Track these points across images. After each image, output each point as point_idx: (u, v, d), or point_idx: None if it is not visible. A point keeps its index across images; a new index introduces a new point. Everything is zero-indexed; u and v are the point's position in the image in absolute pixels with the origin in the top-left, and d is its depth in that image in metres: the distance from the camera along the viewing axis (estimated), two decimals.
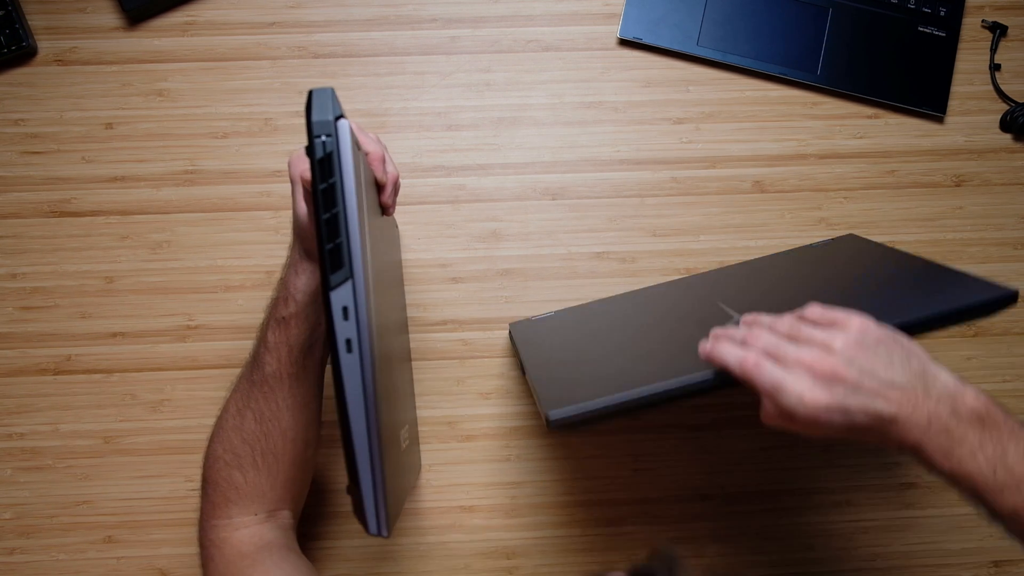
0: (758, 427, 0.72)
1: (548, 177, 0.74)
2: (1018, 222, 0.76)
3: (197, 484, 0.69)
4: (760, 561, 0.71)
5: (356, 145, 0.41)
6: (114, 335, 0.71)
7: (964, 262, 0.75)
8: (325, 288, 0.38)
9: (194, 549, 0.69)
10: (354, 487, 0.39)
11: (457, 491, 0.70)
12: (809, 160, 0.75)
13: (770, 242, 0.74)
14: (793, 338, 0.47)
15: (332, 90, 0.38)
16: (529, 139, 0.75)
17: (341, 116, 0.38)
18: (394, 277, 0.61)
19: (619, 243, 0.74)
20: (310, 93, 0.38)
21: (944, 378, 0.44)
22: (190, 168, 0.73)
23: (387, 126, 0.74)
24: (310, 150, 0.38)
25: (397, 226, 0.72)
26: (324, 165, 0.38)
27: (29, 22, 0.73)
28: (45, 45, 0.73)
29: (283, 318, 0.53)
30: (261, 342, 0.55)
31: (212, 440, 0.56)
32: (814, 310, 0.48)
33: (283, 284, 0.54)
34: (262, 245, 0.72)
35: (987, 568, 0.72)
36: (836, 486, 0.72)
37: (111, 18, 0.74)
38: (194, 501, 0.69)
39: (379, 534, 0.40)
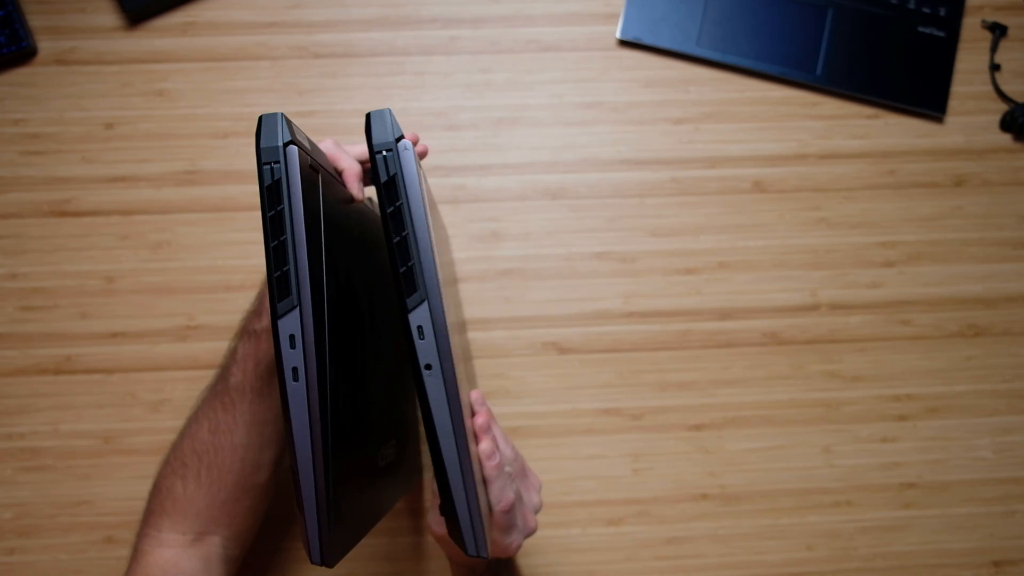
0: (758, 427, 0.72)
1: (548, 177, 0.74)
2: (1018, 222, 0.76)
3: None
4: (760, 561, 0.71)
5: (314, 168, 0.40)
6: (114, 335, 0.71)
7: (964, 262, 0.75)
8: (272, 316, 0.38)
9: None
10: (299, 514, 0.39)
11: None
12: (809, 160, 0.75)
13: (770, 242, 0.74)
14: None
15: (282, 115, 0.37)
16: (529, 139, 0.75)
17: (291, 142, 0.37)
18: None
19: (619, 243, 0.74)
20: (260, 119, 0.38)
21: None
22: (190, 168, 0.73)
23: None
24: (259, 177, 0.38)
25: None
26: (272, 193, 0.37)
27: (29, 22, 0.73)
28: (45, 45, 0.73)
29: (254, 331, 0.52)
30: (231, 352, 0.54)
31: (171, 446, 0.55)
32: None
33: (259, 297, 0.53)
34: (262, 245, 0.72)
35: (987, 568, 0.72)
36: (836, 486, 0.72)
37: (111, 18, 0.74)
38: None
39: (322, 564, 0.39)
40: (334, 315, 0.40)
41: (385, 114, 0.38)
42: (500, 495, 0.43)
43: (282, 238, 0.38)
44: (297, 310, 0.38)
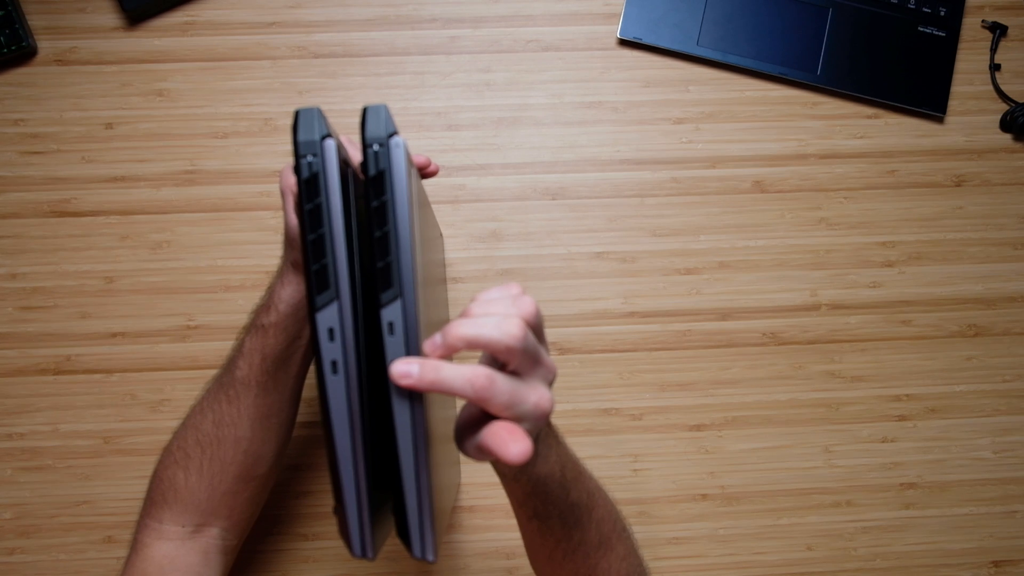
0: (758, 427, 0.72)
1: (548, 177, 0.74)
2: (1018, 222, 0.76)
3: None
4: (760, 561, 0.71)
5: (346, 162, 0.40)
6: (114, 335, 0.71)
7: (964, 262, 0.75)
8: (311, 309, 0.38)
9: None
10: (339, 508, 0.39)
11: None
12: (809, 160, 0.75)
13: (770, 242, 0.74)
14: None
15: (319, 110, 0.38)
16: (529, 139, 0.75)
17: (328, 136, 0.38)
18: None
19: (619, 243, 0.74)
20: (296, 113, 0.38)
21: None
22: (190, 168, 0.73)
23: None
24: (296, 170, 0.38)
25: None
26: (310, 186, 0.38)
27: (29, 22, 0.73)
28: (45, 45, 0.73)
29: (262, 325, 0.52)
30: (238, 345, 0.54)
31: (173, 435, 0.56)
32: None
33: (269, 291, 0.54)
34: (262, 245, 0.72)
35: (987, 568, 0.72)
36: (836, 486, 0.72)
37: (111, 18, 0.74)
38: None
39: (363, 556, 0.40)
40: (367, 309, 0.41)
41: (381, 109, 0.38)
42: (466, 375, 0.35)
43: (320, 231, 0.38)
44: (336, 303, 0.38)
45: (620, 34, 0.75)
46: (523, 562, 0.70)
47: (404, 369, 0.35)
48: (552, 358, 0.38)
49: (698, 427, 0.72)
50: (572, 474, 0.44)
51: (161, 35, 0.74)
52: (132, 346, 0.71)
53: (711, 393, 0.72)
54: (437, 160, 0.74)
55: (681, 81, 0.76)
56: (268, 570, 0.69)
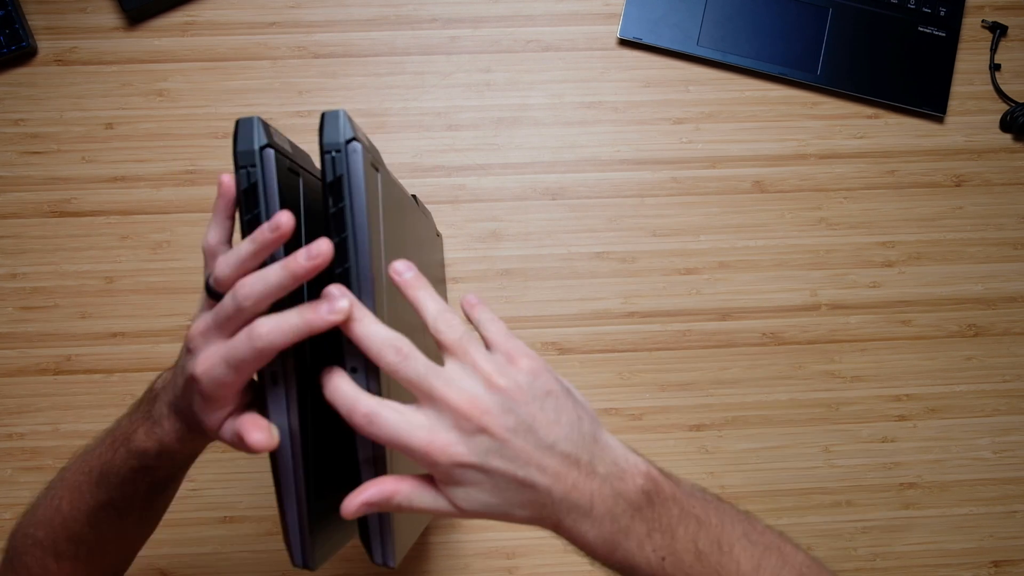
0: (758, 427, 0.72)
1: (548, 177, 0.74)
2: (1018, 222, 0.76)
3: (197, 485, 0.69)
4: None
5: (294, 171, 0.40)
6: (114, 335, 0.71)
7: (964, 262, 0.75)
8: None
9: (194, 549, 0.69)
10: (280, 517, 0.39)
11: None
12: (809, 160, 0.75)
13: (770, 242, 0.74)
14: (455, 354, 0.35)
15: (258, 119, 0.37)
16: (529, 139, 0.75)
17: (268, 146, 0.38)
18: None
19: (619, 243, 0.74)
20: (236, 123, 0.38)
21: (615, 451, 0.36)
22: (190, 168, 0.73)
23: (387, 126, 0.74)
24: (235, 182, 0.38)
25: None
26: (248, 196, 0.37)
27: (29, 22, 0.73)
28: (45, 45, 0.73)
29: (148, 467, 0.44)
30: (109, 463, 0.46)
31: (35, 506, 0.49)
32: (494, 330, 0.37)
33: (149, 432, 0.42)
34: None
35: (987, 568, 0.72)
36: (836, 486, 0.72)
37: (111, 18, 0.74)
38: (195, 501, 0.69)
39: (304, 566, 0.39)
40: None
41: (339, 115, 0.38)
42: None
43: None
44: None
45: (620, 34, 0.75)
46: (523, 562, 0.70)
47: (337, 303, 0.34)
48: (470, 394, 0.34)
49: (698, 427, 0.72)
50: (684, 564, 0.36)
51: (161, 35, 0.74)
52: (132, 346, 0.71)
53: (711, 393, 0.72)
54: (438, 160, 0.74)
55: (681, 81, 0.76)
56: (268, 570, 0.69)
